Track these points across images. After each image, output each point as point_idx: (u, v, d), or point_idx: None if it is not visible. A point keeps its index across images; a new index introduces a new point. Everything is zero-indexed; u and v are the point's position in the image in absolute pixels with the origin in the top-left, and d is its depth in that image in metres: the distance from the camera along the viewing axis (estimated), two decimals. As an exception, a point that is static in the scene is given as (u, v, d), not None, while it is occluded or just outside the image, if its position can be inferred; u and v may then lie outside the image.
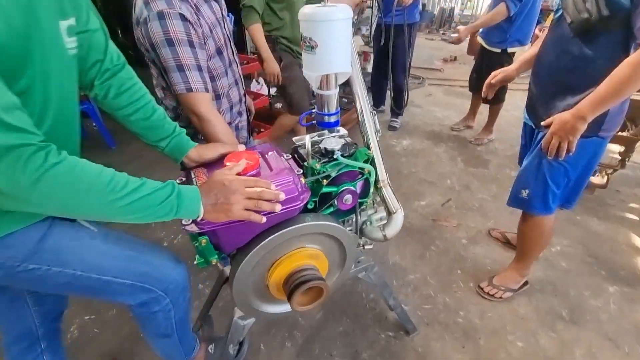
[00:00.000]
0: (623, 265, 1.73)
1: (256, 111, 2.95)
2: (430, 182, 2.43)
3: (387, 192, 1.06)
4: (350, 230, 1.05)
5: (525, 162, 1.36)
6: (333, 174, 0.89)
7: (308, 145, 0.83)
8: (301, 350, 1.38)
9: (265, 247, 0.80)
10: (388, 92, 3.13)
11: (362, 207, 1.05)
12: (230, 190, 0.70)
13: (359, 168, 0.91)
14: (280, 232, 0.80)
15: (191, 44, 0.94)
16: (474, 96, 2.97)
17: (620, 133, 1.91)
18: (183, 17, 0.91)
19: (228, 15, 1.21)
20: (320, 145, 0.93)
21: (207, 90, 1.00)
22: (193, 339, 1.11)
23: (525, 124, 1.39)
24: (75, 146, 0.75)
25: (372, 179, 0.97)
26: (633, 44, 0.95)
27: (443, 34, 7.80)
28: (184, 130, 0.90)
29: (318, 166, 0.86)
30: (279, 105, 3.20)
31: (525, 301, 1.56)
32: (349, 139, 1.03)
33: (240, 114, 1.28)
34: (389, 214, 1.06)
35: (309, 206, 0.88)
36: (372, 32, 2.97)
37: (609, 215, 2.07)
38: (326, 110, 1.07)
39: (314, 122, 1.09)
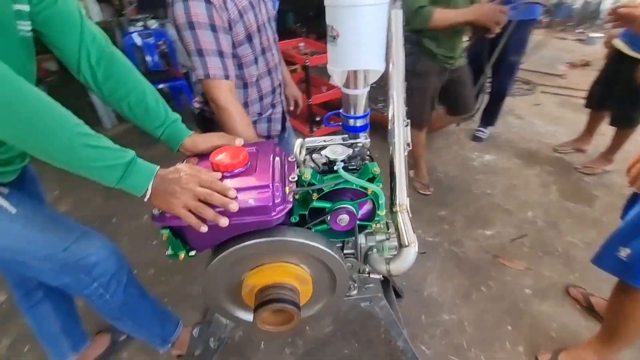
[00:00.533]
0: None
1: (326, 103, 2.90)
2: (506, 209, 2.03)
3: (404, 219, 0.87)
4: (352, 254, 0.91)
5: (634, 210, 0.99)
6: (326, 189, 0.76)
7: (297, 150, 0.72)
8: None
9: (230, 255, 0.74)
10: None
11: (368, 230, 0.89)
12: (181, 182, 0.65)
13: (360, 187, 0.76)
14: (244, 244, 0.72)
15: (213, 28, 0.90)
16: (594, 113, 2.34)
17: None
18: (206, 0, 0.87)
19: (272, 0, 1.14)
20: (322, 152, 0.81)
21: (227, 77, 0.96)
22: (167, 326, 1.13)
23: None
24: None
25: (381, 202, 0.81)
26: None
27: (581, 32, 6.42)
28: (179, 118, 0.88)
29: (307, 176, 0.74)
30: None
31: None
32: (365, 149, 0.88)
33: (273, 105, 1.22)
34: (400, 246, 0.87)
35: (293, 219, 0.77)
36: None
37: None
38: (352, 112, 0.94)
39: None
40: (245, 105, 1.13)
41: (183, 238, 0.75)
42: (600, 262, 1.07)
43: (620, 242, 0.99)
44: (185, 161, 0.82)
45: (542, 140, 2.73)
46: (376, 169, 0.76)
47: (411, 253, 0.86)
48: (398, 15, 0.98)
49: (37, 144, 0.60)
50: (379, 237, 0.92)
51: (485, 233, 1.86)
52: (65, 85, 3.85)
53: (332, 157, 0.79)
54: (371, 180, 0.77)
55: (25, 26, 0.69)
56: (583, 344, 1.23)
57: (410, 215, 0.87)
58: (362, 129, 0.98)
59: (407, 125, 0.93)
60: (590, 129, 2.43)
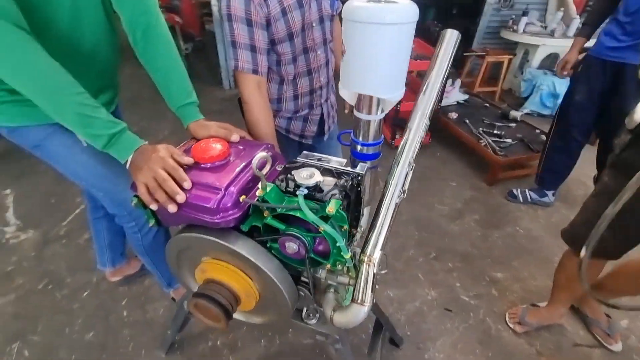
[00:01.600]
0: None
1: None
2: (590, 304, 1.55)
3: (368, 273, 0.75)
4: (305, 286, 0.84)
5: None
6: (279, 210, 0.71)
7: (255, 163, 0.68)
8: (267, 356, 1.32)
9: (178, 240, 0.78)
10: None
11: (329, 267, 0.80)
12: (149, 161, 0.72)
13: (313, 221, 0.69)
14: (187, 234, 0.74)
15: (249, 23, 0.91)
16: None
17: None
18: None
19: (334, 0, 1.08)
20: (293, 172, 0.75)
21: (255, 72, 0.97)
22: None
23: None
24: (90, 83, 0.79)
25: (340, 244, 0.71)
26: None
27: None
28: (194, 103, 0.93)
29: (261, 192, 0.70)
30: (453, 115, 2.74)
31: None
32: (355, 181, 0.77)
33: (311, 106, 1.18)
34: (352, 299, 0.76)
35: (243, 228, 0.75)
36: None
37: None
38: (360, 138, 0.85)
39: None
40: (280, 100, 1.13)
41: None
42: None
43: None
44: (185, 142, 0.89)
45: None
46: (330, 209, 0.66)
47: (360, 312, 0.75)
48: (453, 36, 0.82)
49: (40, 101, 0.72)
50: (340, 279, 0.82)
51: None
52: (206, 49, 4.55)
53: (298, 180, 0.73)
54: (324, 219, 0.68)
55: None
56: None
57: (377, 272, 0.76)
58: (371, 157, 0.88)
59: (411, 169, 0.78)
60: None
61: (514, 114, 2.72)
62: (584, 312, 1.47)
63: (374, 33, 0.64)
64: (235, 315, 0.94)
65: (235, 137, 0.86)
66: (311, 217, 0.68)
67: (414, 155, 0.79)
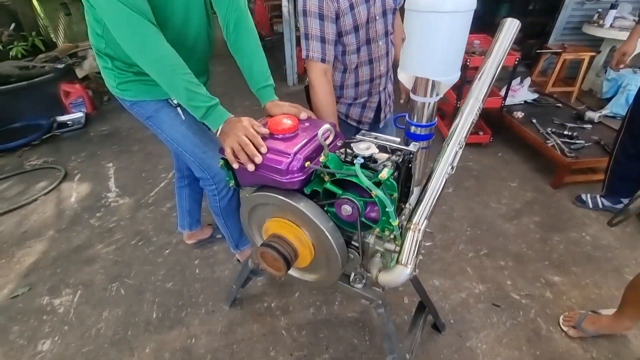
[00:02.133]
0: None
1: (486, 113, 2.58)
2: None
3: (412, 239, 0.84)
4: (356, 249, 0.95)
5: None
6: (337, 175, 0.83)
7: (320, 133, 0.80)
8: (314, 323, 1.45)
9: (250, 199, 0.94)
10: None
11: (377, 233, 0.90)
12: (235, 129, 0.89)
13: (366, 186, 0.79)
14: (259, 194, 0.90)
15: (321, 17, 1.04)
16: None
17: None
18: None
19: None
20: (353, 145, 0.86)
21: (323, 61, 1.10)
22: (242, 239, 1.47)
23: None
24: (191, 68, 0.96)
25: (388, 210, 0.81)
26: None
27: None
28: (271, 85, 1.09)
29: (324, 159, 0.83)
30: (519, 114, 2.62)
31: None
32: (408, 157, 0.86)
33: (370, 94, 1.28)
34: (397, 261, 0.85)
35: (306, 190, 0.89)
36: None
37: None
38: (415, 120, 0.93)
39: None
40: (342, 87, 1.25)
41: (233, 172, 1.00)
42: None
43: None
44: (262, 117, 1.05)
45: None
46: (383, 175, 0.76)
47: (403, 273, 0.84)
48: (512, 25, 0.86)
49: (163, 83, 0.94)
50: (387, 245, 0.91)
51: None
52: (274, 48, 4.86)
53: (356, 151, 0.83)
54: (377, 184, 0.78)
55: None
56: None
57: (422, 239, 0.84)
58: (424, 137, 0.96)
59: (460, 149, 0.85)
60: None
61: (591, 114, 2.51)
62: None
63: (432, 20, 0.72)
64: (291, 272, 1.08)
65: (304, 115, 1.00)
66: (365, 181, 0.78)
67: (466, 136, 0.85)
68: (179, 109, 1.19)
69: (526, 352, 1.33)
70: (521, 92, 2.89)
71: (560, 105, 2.80)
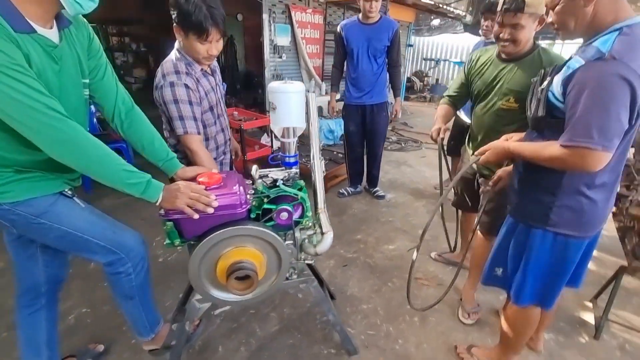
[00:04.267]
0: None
1: (259, 159, 3.45)
2: (404, 230, 2.69)
3: (323, 217, 1.37)
4: (291, 244, 1.35)
5: (499, 235, 1.35)
6: (271, 195, 1.23)
7: (254, 173, 1.20)
8: (252, 355, 1.60)
9: (212, 239, 1.13)
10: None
11: (301, 226, 1.36)
12: (180, 190, 1.07)
13: (293, 193, 1.26)
14: (225, 229, 1.13)
15: (190, 103, 1.39)
16: (453, 159, 3.31)
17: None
18: (186, 86, 1.37)
19: (223, 84, 1.69)
20: (269, 175, 1.30)
21: (198, 133, 1.43)
22: (157, 316, 1.40)
23: None
24: None
25: (307, 205, 1.30)
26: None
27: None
28: (175, 156, 1.31)
29: (259, 187, 1.21)
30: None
31: (462, 338, 1.71)
32: (296, 175, 1.38)
33: (225, 153, 1.70)
34: (322, 234, 1.36)
35: (252, 215, 1.21)
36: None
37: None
38: (287, 153, 1.45)
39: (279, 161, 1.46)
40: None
41: (179, 231, 1.13)
42: (486, 281, 1.41)
43: (495, 264, 1.35)
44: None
45: (427, 182, 3.63)
46: (302, 182, 1.27)
47: (329, 237, 1.35)
48: (311, 97, 1.59)
49: (97, 172, 0.98)
50: (308, 232, 1.39)
51: (389, 247, 2.45)
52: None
53: (275, 177, 1.28)
54: (299, 190, 1.27)
55: (86, 92, 1.10)
56: (491, 345, 1.61)
57: (327, 214, 1.38)
58: (294, 164, 1.50)
59: (322, 161, 1.48)
60: (454, 170, 3.38)
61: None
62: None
63: (282, 96, 1.31)
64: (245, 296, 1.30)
65: (215, 171, 1.29)
66: (292, 191, 1.25)
67: (320, 151, 1.49)
68: (75, 198, 1.12)
69: (372, 277, 2.13)
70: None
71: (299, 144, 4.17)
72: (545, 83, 1.09)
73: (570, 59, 1.07)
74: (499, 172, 1.46)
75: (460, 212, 2.17)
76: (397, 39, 2.76)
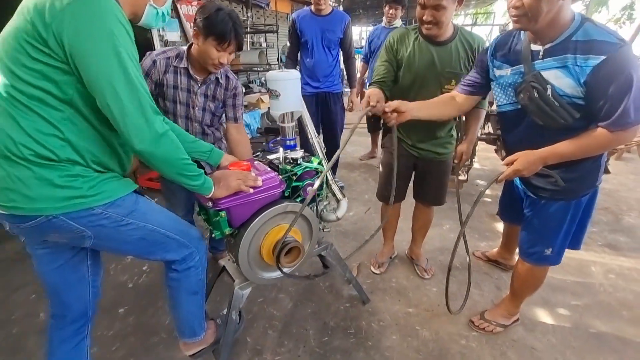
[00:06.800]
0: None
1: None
2: (354, 198, 3.05)
3: (335, 187, 1.55)
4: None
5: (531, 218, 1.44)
6: (298, 172, 1.35)
7: (281, 155, 1.30)
8: (281, 333, 1.68)
9: (264, 216, 1.21)
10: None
11: (320, 198, 1.51)
12: (227, 179, 1.14)
13: (315, 168, 1.40)
14: (270, 209, 1.22)
15: (146, 75, 1.46)
16: (373, 134, 3.85)
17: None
18: (154, 62, 1.46)
19: (220, 106, 1.66)
20: (288, 156, 1.40)
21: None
22: (204, 320, 1.37)
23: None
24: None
25: (327, 177, 1.46)
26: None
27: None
28: (213, 146, 1.37)
29: (286, 167, 1.32)
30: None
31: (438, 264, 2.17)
32: (307, 154, 1.52)
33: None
34: (337, 201, 1.55)
35: (285, 194, 1.32)
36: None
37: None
38: (287, 137, 1.55)
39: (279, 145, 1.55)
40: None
41: (229, 219, 1.16)
42: (532, 259, 1.47)
43: (545, 245, 1.41)
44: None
45: (352, 156, 4.09)
46: (319, 157, 1.42)
47: (345, 203, 1.55)
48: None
49: (168, 170, 0.97)
50: (324, 203, 1.55)
51: (349, 214, 2.77)
52: None
53: (295, 157, 1.39)
54: (319, 164, 1.42)
55: None
56: (498, 302, 1.76)
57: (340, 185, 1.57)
58: (293, 146, 1.61)
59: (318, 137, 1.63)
60: (374, 142, 3.92)
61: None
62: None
63: (286, 82, 1.42)
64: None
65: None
66: (314, 165, 1.39)
67: (315, 131, 1.64)
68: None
69: (359, 242, 2.41)
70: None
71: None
72: (549, 92, 1.12)
73: (548, 64, 1.11)
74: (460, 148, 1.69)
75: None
76: (349, 31, 2.76)
